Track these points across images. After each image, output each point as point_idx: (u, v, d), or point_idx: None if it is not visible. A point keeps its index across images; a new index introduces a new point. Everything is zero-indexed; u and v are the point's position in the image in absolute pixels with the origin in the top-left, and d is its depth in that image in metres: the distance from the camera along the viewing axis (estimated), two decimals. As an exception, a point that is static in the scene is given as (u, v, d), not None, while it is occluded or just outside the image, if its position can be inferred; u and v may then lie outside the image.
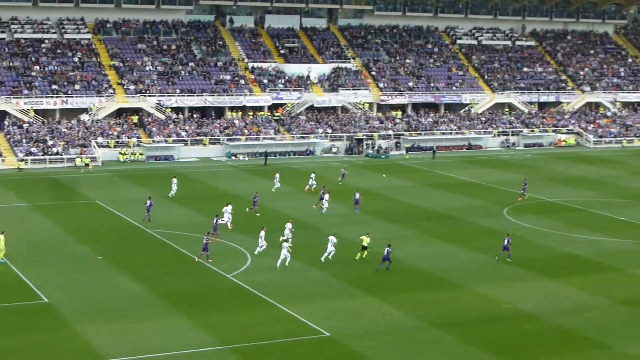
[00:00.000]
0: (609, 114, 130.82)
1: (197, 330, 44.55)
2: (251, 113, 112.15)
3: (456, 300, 51.06)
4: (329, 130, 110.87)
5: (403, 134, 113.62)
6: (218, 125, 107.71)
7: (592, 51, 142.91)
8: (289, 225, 62.50)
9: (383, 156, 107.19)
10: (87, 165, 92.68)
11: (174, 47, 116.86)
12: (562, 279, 55.72)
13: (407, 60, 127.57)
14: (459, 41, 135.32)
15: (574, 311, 49.50)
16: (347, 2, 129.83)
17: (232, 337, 43.75)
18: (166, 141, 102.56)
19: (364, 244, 58.51)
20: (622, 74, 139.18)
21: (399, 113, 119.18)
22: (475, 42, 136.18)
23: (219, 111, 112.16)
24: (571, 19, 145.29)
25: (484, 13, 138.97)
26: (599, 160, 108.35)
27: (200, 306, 48.55)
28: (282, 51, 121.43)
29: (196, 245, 59.43)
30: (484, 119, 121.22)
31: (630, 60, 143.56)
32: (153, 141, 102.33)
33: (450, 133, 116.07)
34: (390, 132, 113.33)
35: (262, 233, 59.24)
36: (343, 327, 45.73)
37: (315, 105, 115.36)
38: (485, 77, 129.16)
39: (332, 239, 58.94)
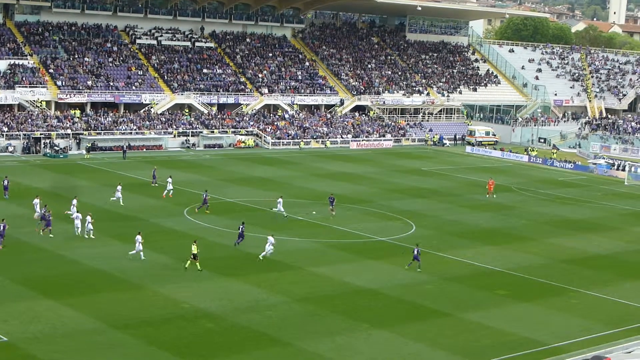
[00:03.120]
0: (286, 116, 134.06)
1: None
2: None
3: (136, 300, 50.56)
4: (5, 129, 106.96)
5: (82, 133, 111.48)
6: None
7: (270, 54, 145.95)
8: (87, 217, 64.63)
9: (61, 156, 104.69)
10: None
11: None
12: (242, 277, 56.42)
13: (86, 59, 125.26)
14: (138, 41, 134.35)
15: (254, 309, 50.22)
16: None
17: None
18: None
19: (194, 252, 57.67)
20: (300, 77, 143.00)
21: (78, 112, 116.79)
22: (155, 42, 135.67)
23: None
24: (250, 21, 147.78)
25: (164, 13, 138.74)
26: (277, 161, 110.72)
27: None
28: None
29: None
30: (164, 119, 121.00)
31: (307, 63, 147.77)
32: None
33: (131, 133, 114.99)
34: (69, 131, 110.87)
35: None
36: (21, 331, 44.25)
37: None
38: (165, 77, 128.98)
39: (271, 239, 60.98)
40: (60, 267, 56.77)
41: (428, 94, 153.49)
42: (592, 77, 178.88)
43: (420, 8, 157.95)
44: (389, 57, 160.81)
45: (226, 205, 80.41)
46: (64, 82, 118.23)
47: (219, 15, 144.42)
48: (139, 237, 59.41)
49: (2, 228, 60.14)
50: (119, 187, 77.55)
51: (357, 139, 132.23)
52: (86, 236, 63.67)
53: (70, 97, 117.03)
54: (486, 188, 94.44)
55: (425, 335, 47.85)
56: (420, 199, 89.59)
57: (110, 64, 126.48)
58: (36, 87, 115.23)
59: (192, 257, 57.87)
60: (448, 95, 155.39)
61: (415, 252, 61.12)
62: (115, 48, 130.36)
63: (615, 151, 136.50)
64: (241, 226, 64.81)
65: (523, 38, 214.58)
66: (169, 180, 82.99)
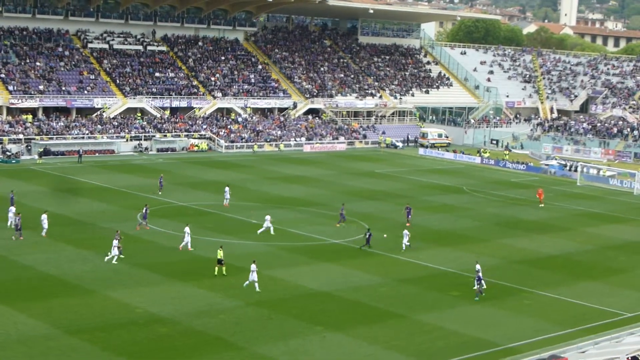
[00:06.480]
0: (239, 119, 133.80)
1: None
2: None
3: (89, 306, 50.15)
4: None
5: (34, 138, 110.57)
6: None
7: (223, 57, 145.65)
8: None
9: (14, 161, 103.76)
10: None
11: None
12: (194, 281, 56.14)
13: (38, 63, 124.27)
14: (90, 45, 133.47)
15: (208, 313, 50.01)
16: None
17: None
18: None
19: (219, 257, 57.67)
20: (253, 80, 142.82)
21: (30, 117, 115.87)
22: (106, 46, 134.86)
23: None
24: (202, 25, 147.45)
25: (115, 17, 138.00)
26: (230, 164, 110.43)
27: None
28: None
29: None
30: (116, 123, 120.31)
31: (260, 67, 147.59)
32: None
33: (83, 137, 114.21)
34: (21, 136, 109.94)
35: None
36: (-29, 338, 43.77)
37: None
38: (117, 81, 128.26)
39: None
40: (14, 273, 56.18)
41: (381, 96, 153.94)
42: (544, 78, 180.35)
43: (372, 11, 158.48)
44: (342, 60, 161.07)
45: (178, 209, 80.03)
46: (15, 87, 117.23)
47: (170, 18, 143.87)
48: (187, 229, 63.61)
49: (17, 220, 64.58)
50: (268, 217, 72.22)
51: (310, 141, 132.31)
52: (114, 262, 59.67)
53: (22, 102, 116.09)
54: (537, 197, 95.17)
55: (380, 337, 47.89)
56: (373, 201, 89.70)
57: (62, 69, 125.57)
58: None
59: (218, 262, 57.92)
60: (400, 98, 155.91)
61: None
62: (66, 52, 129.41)
63: (568, 152, 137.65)
64: (367, 232, 68.14)
65: (475, 40, 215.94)
66: (227, 189, 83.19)
